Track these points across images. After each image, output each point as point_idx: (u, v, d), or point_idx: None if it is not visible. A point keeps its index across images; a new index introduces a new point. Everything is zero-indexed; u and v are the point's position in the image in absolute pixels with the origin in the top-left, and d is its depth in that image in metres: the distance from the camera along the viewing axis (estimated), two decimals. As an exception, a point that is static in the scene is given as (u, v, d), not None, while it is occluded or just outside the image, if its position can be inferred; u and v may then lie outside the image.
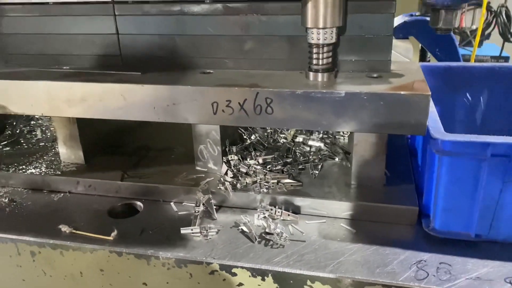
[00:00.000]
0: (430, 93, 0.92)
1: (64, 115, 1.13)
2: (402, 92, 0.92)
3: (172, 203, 1.13)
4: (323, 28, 0.97)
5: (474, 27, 2.56)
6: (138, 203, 1.15)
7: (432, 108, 1.02)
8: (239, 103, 1.00)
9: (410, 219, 1.02)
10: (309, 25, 0.98)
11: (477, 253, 0.92)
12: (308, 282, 0.89)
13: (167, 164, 1.25)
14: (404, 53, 1.28)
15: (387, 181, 1.11)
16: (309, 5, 0.96)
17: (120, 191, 1.18)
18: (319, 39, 0.99)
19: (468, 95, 1.41)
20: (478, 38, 2.39)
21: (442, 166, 0.92)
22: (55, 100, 1.10)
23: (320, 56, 1.02)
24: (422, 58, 1.67)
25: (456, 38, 2.71)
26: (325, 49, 1.01)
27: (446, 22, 1.21)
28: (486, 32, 2.64)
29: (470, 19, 2.59)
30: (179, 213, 1.10)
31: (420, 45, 1.48)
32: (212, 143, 1.16)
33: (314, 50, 1.01)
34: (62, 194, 1.20)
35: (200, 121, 1.05)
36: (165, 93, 1.03)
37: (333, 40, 1.00)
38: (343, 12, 0.99)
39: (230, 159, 1.17)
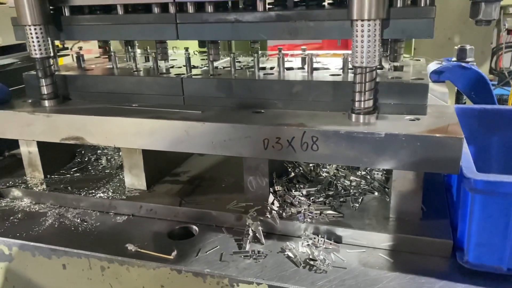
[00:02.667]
0: (463, 136, 1.01)
1: (133, 147, 1.29)
2: (437, 135, 1.02)
3: (223, 228, 1.25)
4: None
5: (512, 68, 2.61)
6: (194, 227, 1.28)
7: (466, 149, 1.10)
8: (287, 140, 1.12)
9: (445, 251, 1.09)
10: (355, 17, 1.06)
11: (508, 287, 0.98)
12: (349, 305, 0.98)
13: (219, 192, 1.38)
14: (440, 96, 1.38)
15: (423, 215, 1.19)
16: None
17: (178, 216, 1.31)
18: (362, 62, 1.08)
19: (503, 136, 1.48)
20: (516, 78, 2.44)
21: (474, 204, 1.00)
22: (126, 134, 1.27)
23: (362, 98, 1.13)
24: (458, 100, 1.75)
25: (494, 79, 2.77)
26: (367, 87, 1.12)
27: (486, 14, 1.28)
28: (525, 73, 2.69)
29: (509, 60, 2.65)
30: (231, 237, 1.22)
31: (456, 88, 1.57)
32: (261, 174, 1.28)
33: (357, 89, 1.12)
34: (126, 217, 1.35)
35: (252, 155, 1.18)
36: (222, 130, 1.17)
37: (376, 63, 1.09)
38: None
39: (276, 190, 1.29)
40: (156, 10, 1.31)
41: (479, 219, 1.01)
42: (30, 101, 1.49)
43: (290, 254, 1.12)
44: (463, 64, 1.51)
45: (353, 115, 1.15)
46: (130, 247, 1.18)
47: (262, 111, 1.26)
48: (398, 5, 1.11)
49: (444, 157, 1.02)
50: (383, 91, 1.17)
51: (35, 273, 1.25)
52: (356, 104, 1.14)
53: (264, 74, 1.39)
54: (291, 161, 1.39)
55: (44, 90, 1.44)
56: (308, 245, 1.15)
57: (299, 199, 1.26)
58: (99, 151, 1.72)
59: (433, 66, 1.50)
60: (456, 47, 1.58)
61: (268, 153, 1.15)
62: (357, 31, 1.07)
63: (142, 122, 1.25)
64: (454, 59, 1.57)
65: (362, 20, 1.06)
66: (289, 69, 1.45)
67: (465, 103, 1.76)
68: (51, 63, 1.44)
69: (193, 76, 1.39)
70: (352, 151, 1.08)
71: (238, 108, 1.29)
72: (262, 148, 1.15)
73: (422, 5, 1.10)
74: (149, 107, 1.34)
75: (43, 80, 1.43)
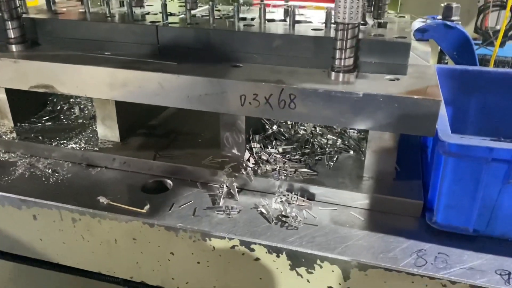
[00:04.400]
0: (441, 98, 1.00)
1: (105, 97, 1.25)
2: (415, 97, 1.01)
3: (198, 183, 1.25)
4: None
5: (497, 27, 2.59)
6: (168, 181, 1.27)
7: (443, 111, 1.10)
8: (265, 97, 1.10)
9: (415, 212, 1.12)
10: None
11: (473, 247, 1.02)
12: (318, 261, 1.00)
13: (195, 147, 1.36)
14: (422, 56, 1.35)
15: (396, 175, 1.20)
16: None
17: (152, 169, 1.29)
18: (345, 18, 1.04)
19: (482, 98, 1.48)
20: (500, 38, 2.42)
21: (447, 166, 1.01)
22: (99, 84, 1.22)
23: (343, 55, 1.10)
24: (440, 60, 1.73)
25: (479, 38, 2.75)
26: (348, 44, 1.08)
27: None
28: (510, 33, 2.67)
29: (494, 20, 2.62)
30: (205, 193, 1.21)
31: (439, 47, 1.55)
32: (237, 131, 1.26)
33: (338, 46, 1.09)
34: (99, 169, 1.33)
35: (229, 111, 1.15)
36: (198, 84, 1.13)
37: (358, 20, 1.05)
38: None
39: (252, 146, 1.28)
40: (130, -49, 1.22)
41: (450, 182, 1.02)
42: (-5, 45, 1.41)
43: (263, 211, 1.13)
44: (448, 23, 1.48)
45: (333, 73, 1.12)
46: (102, 199, 1.17)
47: (241, 65, 1.22)
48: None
49: (421, 119, 1.02)
50: (364, 49, 1.14)
51: (5, 223, 1.24)
52: (336, 61, 1.11)
53: (244, 25, 1.33)
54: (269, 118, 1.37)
55: (11, 34, 1.36)
56: (282, 201, 1.16)
57: (275, 156, 1.25)
58: (71, 100, 1.67)
59: (417, 24, 1.47)
60: (442, 5, 1.54)
61: (245, 109, 1.13)
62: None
63: (115, 72, 1.19)
64: (440, 17, 1.54)
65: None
66: (270, 20, 1.40)
67: (447, 63, 1.75)
68: (18, 5, 1.35)
69: (169, 25, 1.32)
70: (330, 110, 1.06)
71: (216, 61, 1.24)
72: (239, 105, 1.13)
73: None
74: (122, 56, 1.28)
75: (9, 22, 1.35)
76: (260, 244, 1.03)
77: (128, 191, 1.23)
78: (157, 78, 1.16)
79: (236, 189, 1.20)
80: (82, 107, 1.62)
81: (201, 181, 1.26)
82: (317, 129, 1.40)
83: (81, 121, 1.54)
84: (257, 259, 1.05)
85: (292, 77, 1.13)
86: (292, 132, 1.38)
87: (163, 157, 1.31)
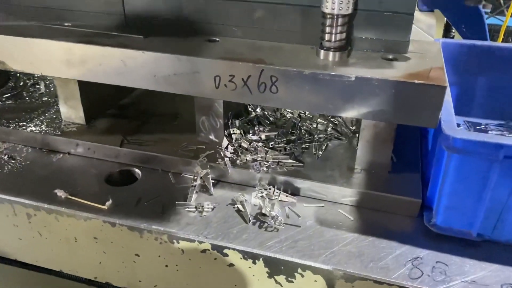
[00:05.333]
0: (447, 84, 0.85)
1: (63, 76, 1.09)
2: (416, 81, 0.86)
3: (170, 174, 1.11)
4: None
5: (509, -5, 2.39)
6: (137, 170, 1.14)
7: (448, 97, 0.95)
8: (242, 79, 0.94)
9: (412, 211, 0.99)
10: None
11: (476, 254, 0.89)
12: (299, 270, 0.88)
13: (169, 132, 1.22)
14: (426, 29, 1.19)
15: (392, 167, 1.07)
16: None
17: (119, 157, 1.16)
18: (333, 9, 0.91)
19: (491, 77, 1.33)
20: (511, 8, 2.23)
21: (450, 163, 0.87)
22: (55, 60, 1.06)
23: (334, 31, 0.95)
24: (446, 33, 1.56)
25: (488, 6, 2.55)
26: (340, 21, 0.93)
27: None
28: (522, 1, 2.47)
29: (506, -14, 2.42)
30: (177, 185, 1.08)
31: (445, 19, 1.38)
32: (215, 115, 1.12)
33: (328, 23, 0.94)
34: (61, 155, 1.19)
35: (201, 94, 1.00)
36: (166, 62, 0.98)
37: (349, 11, 0.92)
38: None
39: (232, 132, 1.13)
40: None
41: (453, 181, 0.89)
42: None
43: (240, 208, 1.00)
44: (457, -10, 1.31)
45: (322, 52, 0.96)
46: (60, 193, 1.03)
47: (217, 39, 1.06)
48: None
49: (422, 108, 0.87)
50: (359, 22, 0.98)
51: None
52: (326, 37, 0.95)
53: (224, -8, 1.16)
54: (251, 98, 1.22)
55: (-42, 0, 1.19)
56: (262, 196, 1.02)
57: (256, 145, 1.11)
58: (36, 75, 1.51)
59: (422, -8, 1.30)
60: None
61: (219, 93, 0.98)
62: (327, 1, 0.88)
63: (72, 47, 1.04)
64: (447, -16, 1.36)
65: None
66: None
67: (453, 37, 1.58)
68: (-36, -33, 1.17)
69: (138, -9, 1.15)
70: (317, 96, 0.91)
71: (190, 34, 1.08)
72: (213, 87, 0.97)
73: None
74: (83, 28, 1.12)
75: (-45, -13, 1.18)
76: (234, 249, 0.91)
77: (90, 182, 1.09)
78: (120, 55, 1.01)
79: (212, 182, 1.06)
80: (47, 83, 1.47)
81: (174, 171, 1.12)
82: (306, 112, 1.25)
83: (46, 99, 1.39)
84: (231, 264, 0.93)
85: (275, 55, 0.97)
86: (278, 115, 1.24)
87: (132, 143, 1.17)
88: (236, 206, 1.01)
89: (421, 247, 0.91)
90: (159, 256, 0.98)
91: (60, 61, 1.06)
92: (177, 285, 1.01)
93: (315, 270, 0.87)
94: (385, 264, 0.87)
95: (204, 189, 1.06)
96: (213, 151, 1.12)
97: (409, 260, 0.88)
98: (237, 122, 1.15)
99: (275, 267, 0.90)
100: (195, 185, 1.04)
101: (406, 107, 0.88)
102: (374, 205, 1.01)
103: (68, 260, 1.08)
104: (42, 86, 1.44)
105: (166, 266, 0.99)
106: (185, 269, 0.97)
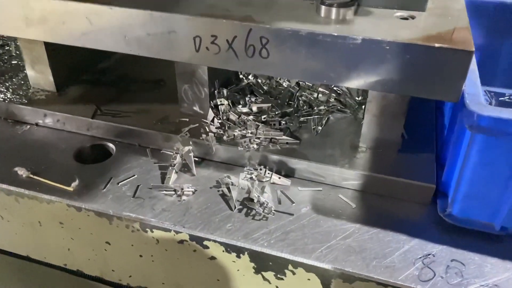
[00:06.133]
0: (473, 49, 0.69)
1: (21, 36, 0.95)
2: (436, 45, 0.70)
3: (148, 150, 0.98)
4: None
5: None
6: (111, 145, 1.00)
7: (474, 66, 0.79)
8: (227, 41, 0.79)
9: (424, 198, 0.85)
10: None
11: (498, 251, 0.76)
12: (290, 267, 0.76)
13: (149, 101, 1.08)
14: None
15: (403, 146, 0.92)
16: None
17: (92, 129, 1.02)
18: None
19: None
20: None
21: (473, 144, 0.73)
22: (11, 18, 0.91)
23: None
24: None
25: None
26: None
27: None
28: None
29: None
30: (155, 163, 0.95)
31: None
32: (198, 83, 0.97)
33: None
34: (28, 126, 1.06)
35: (179, 58, 0.85)
36: (137, 20, 0.82)
37: None
38: None
39: (219, 103, 0.99)
40: None
41: (476, 164, 0.75)
42: None
43: (226, 192, 0.86)
44: None
45: (323, 7, 0.80)
46: (21, 171, 0.91)
47: (201, -8, 0.90)
48: None
49: (442, 78, 0.72)
50: (369, -28, 0.81)
51: None
52: (329, -10, 0.79)
53: None
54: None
55: None
56: (251, 178, 0.89)
57: (246, 118, 0.96)
58: (5, 35, 1.35)
59: None
60: None
61: (200, 57, 0.83)
62: None
63: (29, 2, 0.88)
64: None
65: None
66: None
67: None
68: None
69: None
70: (315, 61, 0.76)
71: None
72: (192, 50, 0.82)
73: None
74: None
75: None
76: (215, 241, 0.78)
77: (57, 158, 0.96)
78: (85, 11, 0.85)
79: (194, 160, 0.93)
80: (19, 44, 1.31)
81: (152, 147, 0.99)
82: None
83: (16, 62, 1.24)
84: (213, 258, 0.81)
85: (267, 11, 0.81)
86: (274, 83, 1.09)
87: (106, 114, 1.03)
88: (220, 189, 0.88)
89: (433, 242, 0.77)
90: (132, 245, 0.86)
91: (17, 18, 0.91)
92: (154, 276, 0.89)
93: (308, 268, 0.74)
94: (390, 263, 0.74)
95: (185, 168, 0.93)
96: (197, 124, 0.98)
97: (419, 258, 0.75)
98: (225, 91, 1.00)
99: (262, 262, 0.77)
100: (174, 164, 0.91)
101: (422, 76, 0.72)
102: (380, 190, 0.87)
103: (34, 245, 0.97)
104: (12, 47, 1.29)
105: (141, 256, 0.87)
106: (161, 260, 0.86)
